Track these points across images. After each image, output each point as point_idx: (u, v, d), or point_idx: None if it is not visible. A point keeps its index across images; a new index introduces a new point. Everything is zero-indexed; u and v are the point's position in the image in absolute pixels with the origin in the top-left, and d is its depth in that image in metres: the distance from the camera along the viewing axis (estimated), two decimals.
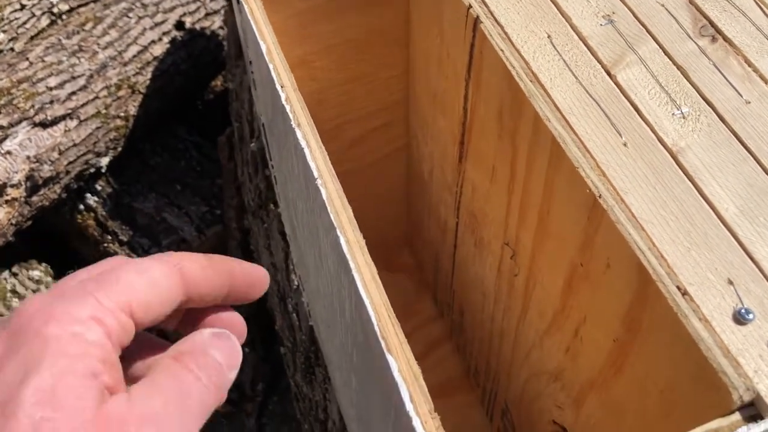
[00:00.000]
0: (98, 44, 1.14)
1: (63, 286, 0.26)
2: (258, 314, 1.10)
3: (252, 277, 0.32)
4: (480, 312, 0.62)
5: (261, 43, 0.43)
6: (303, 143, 0.38)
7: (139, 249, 1.11)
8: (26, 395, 0.22)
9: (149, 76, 1.16)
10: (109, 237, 1.14)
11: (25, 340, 0.24)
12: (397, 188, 0.74)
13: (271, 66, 0.41)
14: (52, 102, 1.06)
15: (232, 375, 0.29)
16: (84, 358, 0.24)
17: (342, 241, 0.35)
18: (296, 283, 0.82)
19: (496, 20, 0.44)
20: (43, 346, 0.23)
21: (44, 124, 1.05)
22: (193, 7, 1.21)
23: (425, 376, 0.80)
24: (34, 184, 1.04)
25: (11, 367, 0.23)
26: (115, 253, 1.12)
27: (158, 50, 1.17)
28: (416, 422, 0.29)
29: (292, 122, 0.39)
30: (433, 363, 0.78)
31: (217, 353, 0.28)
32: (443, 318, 0.79)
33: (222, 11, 1.23)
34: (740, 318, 0.32)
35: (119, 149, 1.14)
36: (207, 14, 1.23)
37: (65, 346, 0.24)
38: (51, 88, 1.06)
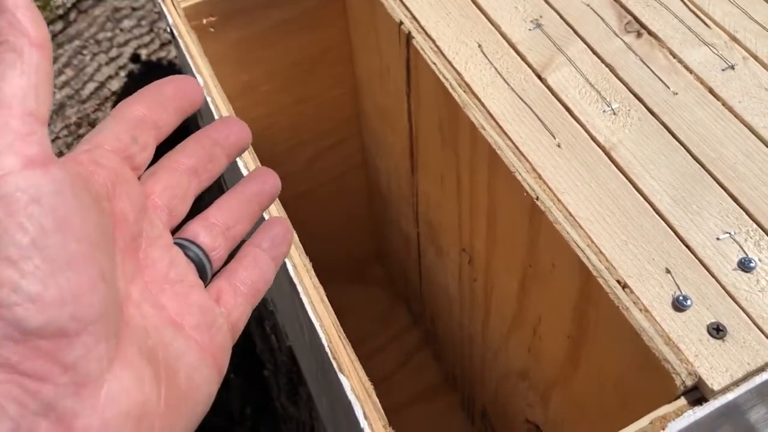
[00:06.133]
0: (54, 84, 1.13)
1: None
2: (242, 338, 1.10)
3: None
4: (449, 319, 0.63)
5: (197, 75, 0.43)
6: (243, 169, 0.39)
7: None
8: None
9: (109, 111, 1.16)
10: None
11: None
12: (359, 204, 0.75)
13: (209, 99, 0.42)
14: None
15: None
16: None
17: (289, 265, 0.36)
18: (270, 305, 0.82)
19: (427, 34, 0.44)
20: None
21: None
22: (147, 39, 1.21)
23: (405, 383, 0.81)
24: None
25: None
26: None
27: (116, 85, 1.17)
28: None
29: None
30: (412, 370, 0.78)
31: None
32: (418, 326, 0.80)
33: None
34: (679, 305, 0.33)
35: None
36: (162, 44, 1.23)
37: None
38: None
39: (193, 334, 0.25)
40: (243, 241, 0.29)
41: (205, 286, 0.27)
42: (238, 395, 1.19)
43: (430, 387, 0.77)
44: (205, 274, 0.27)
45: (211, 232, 0.28)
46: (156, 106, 0.27)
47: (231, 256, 0.29)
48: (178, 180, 0.27)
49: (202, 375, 0.24)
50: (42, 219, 0.20)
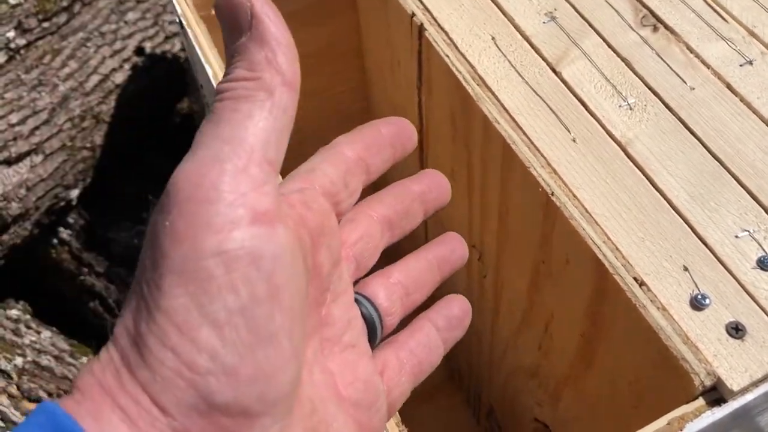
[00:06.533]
0: (58, 77, 1.13)
1: None
2: None
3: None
4: None
5: (207, 66, 0.42)
6: None
7: (116, 279, 1.10)
8: None
9: (113, 104, 1.15)
10: (86, 269, 1.13)
11: None
12: None
13: None
14: (15, 139, 1.04)
15: None
16: None
17: None
18: None
19: (440, 26, 0.44)
20: None
21: (9, 162, 1.04)
22: (152, 31, 1.21)
23: None
24: (3, 223, 1.03)
25: None
26: (92, 286, 1.11)
27: (120, 78, 1.16)
28: None
29: None
30: None
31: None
32: None
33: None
34: (697, 303, 0.32)
35: (88, 180, 1.13)
36: (167, 38, 1.22)
37: None
38: (13, 125, 1.05)
39: (352, 411, 0.23)
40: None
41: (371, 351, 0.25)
42: None
43: (436, 386, 0.76)
44: (375, 338, 0.25)
45: (391, 295, 0.26)
46: (372, 149, 0.26)
47: None
48: (373, 231, 0.26)
49: None
50: (257, 284, 0.18)
